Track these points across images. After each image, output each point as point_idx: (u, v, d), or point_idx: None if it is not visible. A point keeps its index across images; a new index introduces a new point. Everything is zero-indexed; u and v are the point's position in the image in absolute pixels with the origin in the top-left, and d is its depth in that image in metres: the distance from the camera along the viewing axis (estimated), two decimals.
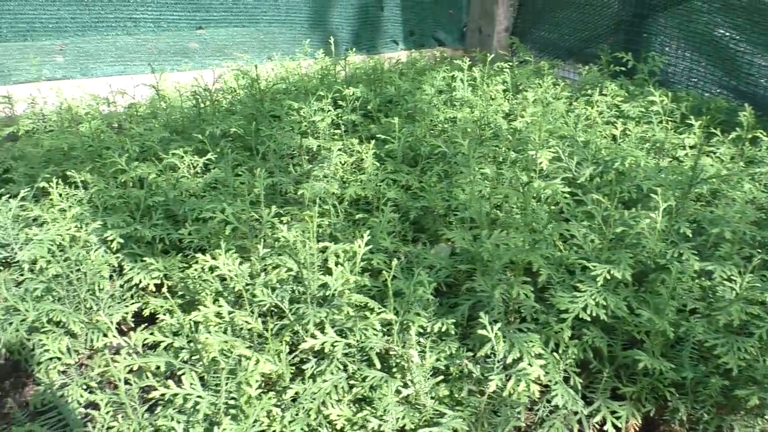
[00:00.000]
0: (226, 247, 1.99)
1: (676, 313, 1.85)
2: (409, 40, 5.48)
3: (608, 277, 1.82)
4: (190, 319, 1.74)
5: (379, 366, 1.77)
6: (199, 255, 1.85)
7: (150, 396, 1.60)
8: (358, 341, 1.78)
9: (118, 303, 2.21)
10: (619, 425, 1.80)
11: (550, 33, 5.16)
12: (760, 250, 2.12)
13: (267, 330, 1.73)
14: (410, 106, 3.35)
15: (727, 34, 3.85)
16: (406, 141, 2.93)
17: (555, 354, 1.85)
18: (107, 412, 1.70)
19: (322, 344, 1.71)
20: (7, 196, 2.29)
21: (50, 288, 2.05)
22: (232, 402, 1.63)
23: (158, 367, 1.76)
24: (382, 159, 2.87)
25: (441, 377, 1.78)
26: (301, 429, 1.66)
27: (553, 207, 2.37)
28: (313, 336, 1.73)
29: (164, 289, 2.26)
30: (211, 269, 2.01)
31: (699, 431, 1.86)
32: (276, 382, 1.79)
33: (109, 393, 1.75)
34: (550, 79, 3.65)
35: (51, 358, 1.93)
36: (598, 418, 1.83)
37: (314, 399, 1.71)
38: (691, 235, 2.08)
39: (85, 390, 1.90)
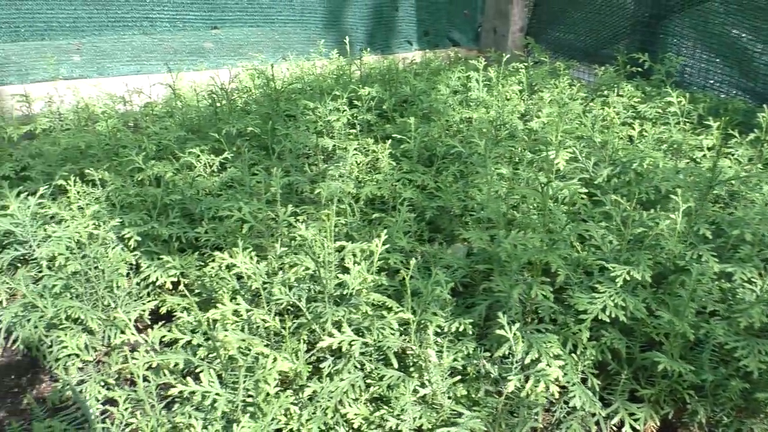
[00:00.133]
0: (243, 245, 1.99)
1: (695, 315, 1.83)
2: (423, 41, 5.48)
3: (628, 278, 1.81)
4: (208, 317, 1.74)
5: (396, 365, 1.77)
6: (216, 253, 1.85)
7: (168, 393, 1.61)
8: (375, 340, 1.78)
9: (135, 300, 2.22)
10: (638, 427, 1.79)
11: (566, 33, 5.14)
12: None
13: (284, 328, 1.74)
14: (425, 106, 3.34)
15: (744, 35, 3.82)
16: (422, 141, 2.93)
17: (573, 355, 1.84)
18: (125, 409, 1.71)
19: (340, 343, 1.71)
20: (26, 193, 2.30)
21: (68, 285, 2.06)
22: (249, 400, 1.63)
23: (176, 365, 1.76)
24: (397, 159, 2.87)
25: (458, 377, 1.77)
26: (319, 427, 1.65)
27: (570, 207, 2.35)
28: (331, 335, 1.73)
29: (181, 287, 2.27)
30: (228, 267, 2.01)
31: None
32: (293, 380, 1.79)
33: (127, 390, 1.76)
34: (566, 80, 3.63)
35: (69, 355, 1.94)
36: (616, 420, 1.82)
37: (331, 398, 1.71)
38: (711, 237, 2.06)
39: (103, 387, 1.91)
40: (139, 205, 2.49)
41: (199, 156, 2.65)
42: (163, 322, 2.02)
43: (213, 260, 2.19)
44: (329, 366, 1.80)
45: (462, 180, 2.70)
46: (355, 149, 2.79)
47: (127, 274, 2.22)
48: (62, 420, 1.77)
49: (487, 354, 1.86)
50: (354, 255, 1.97)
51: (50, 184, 2.48)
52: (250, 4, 4.44)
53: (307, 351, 1.84)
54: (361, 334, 1.79)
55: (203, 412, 1.65)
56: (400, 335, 1.82)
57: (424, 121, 3.23)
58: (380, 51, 5.21)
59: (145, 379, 1.69)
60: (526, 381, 1.63)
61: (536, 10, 5.30)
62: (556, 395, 1.62)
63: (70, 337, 1.94)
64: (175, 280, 2.25)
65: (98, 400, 1.86)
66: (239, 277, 2.07)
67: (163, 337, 1.84)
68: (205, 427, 1.57)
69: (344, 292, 1.90)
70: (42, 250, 2.12)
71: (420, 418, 1.69)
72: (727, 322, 1.85)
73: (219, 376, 1.69)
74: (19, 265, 2.34)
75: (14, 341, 2.09)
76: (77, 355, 1.93)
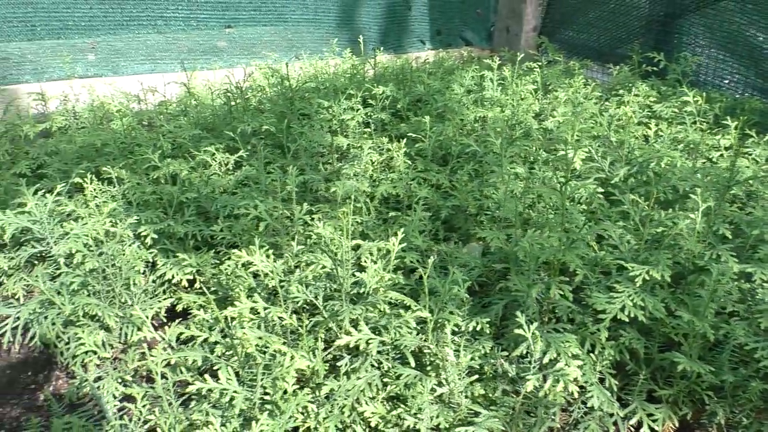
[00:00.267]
0: (259, 243, 1.99)
1: (714, 315, 1.82)
2: (435, 40, 5.47)
3: (647, 278, 1.80)
4: (226, 315, 1.74)
5: (413, 364, 1.76)
6: (234, 251, 1.85)
7: (186, 391, 1.61)
8: (392, 339, 1.78)
9: (151, 298, 2.23)
10: (656, 428, 1.78)
11: (579, 33, 5.12)
12: None
13: (302, 326, 1.73)
14: (439, 106, 3.34)
15: (760, 34, 3.79)
16: (436, 140, 2.92)
17: (591, 355, 1.83)
18: (143, 406, 1.71)
19: (357, 341, 1.70)
20: (43, 191, 2.31)
21: (85, 282, 2.06)
22: (266, 398, 1.63)
23: (194, 362, 1.77)
24: (412, 158, 2.87)
25: (475, 376, 1.77)
26: (335, 426, 1.65)
27: (586, 207, 2.34)
28: (348, 333, 1.72)
29: (197, 285, 2.27)
30: (245, 265, 2.01)
31: None
32: (309, 378, 1.79)
33: (145, 387, 1.76)
34: (580, 79, 3.61)
35: (86, 352, 1.95)
36: (634, 421, 1.81)
37: (348, 396, 1.71)
38: (730, 237, 2.04)
39: (120, 384, 1.91)
40: (155, 203, 2.50)
41: (214, 154, 2.65)
42: (180, 319, 2.02)
43: (229, 258, 2.19)
44: (346, 364, 1.80)
45: (477, 179, 2.69)
46: (370, 148, 2.78)
47: (143, 272, 2.23)
48: (80, 416, 1.77)
49: (505, 353, 1.85)
50: (371, 254, 1.97)
51: (67, 181, 2.49)
52: (263, 4, 4.44)
53: (324, 349, 1.84)
54: (378, 332, 1.79)
55: (220, 410, 1.66)
56: (417, 334, 1.82)
57: (439, 120, 3.22)
58: (393, 50, 5.21)
59: (162, 376, 1.69)
60: (545, 381, 1.63)
61: (549, 9, 5.27)
62: (576, 395, 1.62)
63: (87, 334, 1.95)
64: (191, 277, 2.26)
65: (115, 397, 1.86)
66: (255, 275, 2.07)
67: (181, 334, 1.85)
68: (223, 425, 1.57)
69: (361, 291, 1.90)
70: (59, 247, 2.13)
71: (437, 417, 1.69)
72: (746, 322, 1.83)
73: (236, 374, 1.69)
74: (36, 262, 2.35)
75: (31, 338, 2.10)
76: (94, 352, 1.94)
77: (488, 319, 1.84)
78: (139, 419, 1.71)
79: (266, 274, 1.88)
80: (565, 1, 5.17)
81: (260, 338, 1.67)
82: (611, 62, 4.11)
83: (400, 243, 1.88)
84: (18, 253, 2.26)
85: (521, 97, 3.39)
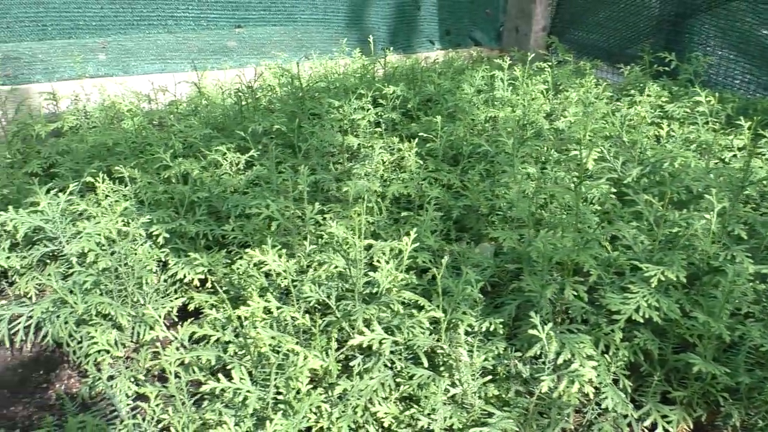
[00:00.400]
0: (271, 243, 1.99)
1: (729, 316, 1.80)
2: (445, 40, 5.46)
3: (662, 278, 1.79)
4: (239, 315, 1.74)
5: (426, 364, 1.76)
6: (248, 250, 1.85)
7: (199, 390, 1.61)
8: (405, 339, 1.77)
9: (162, 297, 2.23)
10: (670, 429, 1.77)
11: (589, 33, 5.10)
12: None
13: (315, 326, 1.73)
14: (450, 105, 3.33)
15: None
16: (447, 140, 2.91)
17: (605, 356, 1.82)
18: (156, 405, 1.71)
19: (370, 341, 1.70)
20: (55, 190, 2.32)
21: (98, 281, 2.07)
22: (279, 397, 1.63)
23: (207, 361, 1.77)
24: (423, 157, 2.86)
25: (489, 377, 1.76)
26: (348, 426, 1.65)
27: (599, 207, 2.33)
28: (361, 332, 1.72)
29: (208, 284, 2.27)
30: (257, 265, 2.01)
31: None
32: (322, 378, 1.78)
33: (158, 386, 1.76)
34: (591, 79, 3.60)
35: (99, 351, 1.95)
36: (648, 423, 1.80)
37: (361, 396, 1.70)
38: (745, 238, 2.03)
39: (132, 383, 1.92)
40: (167, 202, 2.50)
41: (225, 154, 2.65)
42: (192, 319, 2.02)
43: (241, 258, 2.19)
44: (359, 364, 1.80)
45: (488, 179, 2.68)
46: (381, 147, 2.78)
47: (155, 271, 2.23)
48: (94, 415, 1.77)
49: (518, 354, 1.84)
50: (383, 253, 1.97)
51: (79, 181, 2.50)
52: (273, 4, 4.45)
53: (337, 349, 1.83)
54: (390, 332, 1.78)
55: (233, 409, 1.65)
56: (430, 334, 1.81)
57: (449, 120, 3.21)
58: (402, 50, 5.21)
59: (175, 375, 1.69)
60: (559, 381, 1.62)
61: (559, 9, 5.26)
62: (591, 396, 1.61)
63: (100, 333, 1.95)
64: (203, 277, 2.26)
65: (128, 396, 1.86)
66: (267, 275, 2.07)
67: (193, 333, 1.85)
68: (236, 424, 1.57)
69: (373, 291, 1.89)
70: (72, 246, 2.14)
71: (450, 417, 1.68)
72: (762, 324, 1.82)
73: (249, 374, 1.69)
74: (48, 261, 2.36)
75: (44, 337, 2.10)
76: (107, 351, 1.94)
77: (501, 320, 1.83)
78: (153, 418, 1.71)
79: (279, 274, 1.88)
80: (574, 1, 5.16)
81: (273, 338, 1.67)
82: (621, 62, 4.09)
83: (412, 243, 1.88)
84: (30, 252, 2.26)
85: (532, 97, 3.38)
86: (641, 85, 3.65)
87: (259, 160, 2.72)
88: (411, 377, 1.75)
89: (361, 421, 1.70)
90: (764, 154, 2.79)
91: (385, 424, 1.70)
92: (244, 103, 3.34)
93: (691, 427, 1.82)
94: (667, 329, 1.88)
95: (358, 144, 2.92)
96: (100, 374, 1.89)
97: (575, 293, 1.80)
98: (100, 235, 2.07)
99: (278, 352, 1.65)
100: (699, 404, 1.85)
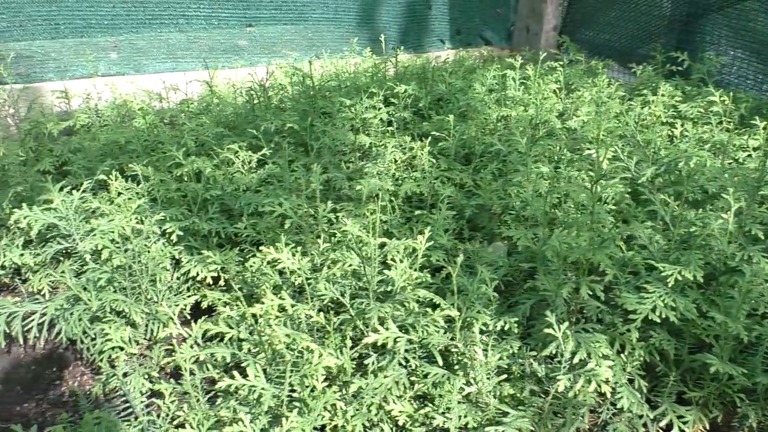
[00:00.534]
0: (284, 241, 1.99)
1: (746, 317, 1.79)
2: (455, 39, 5.45)
3: (679, 278, 1.77)
4: (253, 313, 1.74)
5: (441, 363, 1.75)
6: (262, 248, 1.85)
7: (214, 387, 1.61)
8: (420, 337, 1.76)
9: (175, 295, 2.23)
10: (686, 430, 1.76)
11: (600, 33, 5.08)
12: None
13: (329, 324, 1.73)
14: (462, 104, 3.32)
15: None
16: (460, 139, 2.91)
17: (621, 356, 1.81)
18: (171, 402, 1.71)
19: (385, 339, 1.69)
20: (68, 187, 2.32)
21: (112, 278, 2.07)
22: (294, 395, 1.63)
23: (223, 358, 1.76)
24: (435, 156, 2.85)
25: (504, 376, 1.75)
26: (363, 424, 1.65)
27: (613, 207, 2.32)
28: (376, 331, 1.72)
29: (221, 282, 2.27)
30: (270, 263, 2.01)
31: None
32: (336, 376, 1.78)
33: (173, 383, 1.76)
34: (603, 79, 3.58)
35: (113, 348, 1.95)
36: (663, 423, 1.79)
37: (375, 394, 1.70)
38: (762, 238, 2.01)
39: (146, 380, 1.92)
40: (179, 200, 2.50)
41: (237, 152, 2.65)
42: (205, 316, 2.02)
43: (254, 255, 2.19)
44: (373, 362, 1.79)
45: (501, 178, 2.67)
46: (393, 146, 2.77)
47: (168, 269, 2.23)
48: (109, 411, 1.78)
49: (533, 353, 1.83)
50: (397, 251, 1.96)
51: (91, 179, 2.50)
52: (284, 3, 4.45)
53: (351, 347, 1.83)
54: (405, 330, 1.77)
55: (247, 407, 1.65)
56: (444, 332, 1.80)
57: (461, 119, 3.21)
58: (413, 49, 5.20)
59: (190, 372, 1.69)
60: (575, 381, 1.61)
61: (570, 9, 5.24)
62: (608, 395, 1.60)
63: (114, 330, 1.95)
64: (215, 275, 2.26)
65: (142, 393, 1.86)
66: (281, 273, 2.06)
67: (207, 331, 1.84)
68: (251, 422, 1.57)
69: (387, 289, 1.89)
70: (86, 243, 2.14)
71: (465, 416, 1.68)
72: None
73: (264, 371, 1.69)
74: (61, 258, 2.36)
75: (57, 334, 2.11)
76: (122, 348, 1.94)
77: (516, 319, 1.83)
78: (167, 415, 1.71)
79: (293, 272, 1.88)
80: (585, 1, 5.14)
81: (288, 335, 1.67)
82: (632, 62, 4.07)
83: (426, 241, 1.87)
84: (44, 249, 2.27)
85: (544, 96, 3.37)
86: (653, 84, 3.63)
87: (272, 158, 2.72)
88: (425, 376, 1.74)
89: (375, 419, 1.69)
90: None
91: (400, 423, 1.69)
92: (255, 101, 3.34)
93: (707, 427, 1.81)
94: (683, 329, 1.87)
95: (370, 143, 2.91)
96: (115, 371, 1.89)
97: (591, 292, 1.79)
98: (113, 232, 2.07)
99: (293, 350, 1.65)
100: (715, 405, 1.83)
